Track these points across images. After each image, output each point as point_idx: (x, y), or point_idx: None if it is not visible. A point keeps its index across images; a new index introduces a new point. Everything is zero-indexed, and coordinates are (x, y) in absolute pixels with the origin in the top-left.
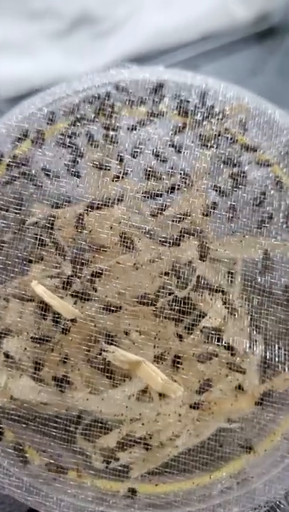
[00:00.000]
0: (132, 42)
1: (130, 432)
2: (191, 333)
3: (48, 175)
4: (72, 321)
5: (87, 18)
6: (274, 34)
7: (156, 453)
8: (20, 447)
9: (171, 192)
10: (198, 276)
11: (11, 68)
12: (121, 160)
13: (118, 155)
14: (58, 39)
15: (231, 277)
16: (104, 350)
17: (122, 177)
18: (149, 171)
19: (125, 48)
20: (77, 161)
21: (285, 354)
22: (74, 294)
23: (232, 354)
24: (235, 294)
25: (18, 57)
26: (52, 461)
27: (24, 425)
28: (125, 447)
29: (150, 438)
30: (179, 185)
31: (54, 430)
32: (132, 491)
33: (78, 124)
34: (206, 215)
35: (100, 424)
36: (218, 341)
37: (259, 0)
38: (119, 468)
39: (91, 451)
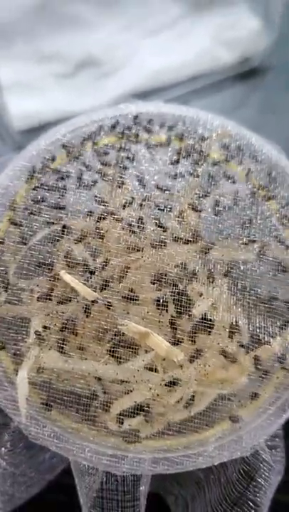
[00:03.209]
0: (131, 82)
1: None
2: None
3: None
4: (93, 302)
5: (91, 61)
6: (255, 74)
7: (160, 417)
8: (51, 405)
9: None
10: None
11: (23, 105)
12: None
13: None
14: (65, 79)
15: (220, 268)
16: (119, 324)
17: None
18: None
19: (125, 87)
20: (96, 179)
21: (264, 327)
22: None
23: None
24: (223, 280)
25: (29, 95)
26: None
27: (52, 391)
28: (135, 413)
29: (156, 398)
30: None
31: (76, 396)
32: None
33: (96, 147)
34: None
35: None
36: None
37: (241, 45)
38: (130, 430)
39: (106, 416)
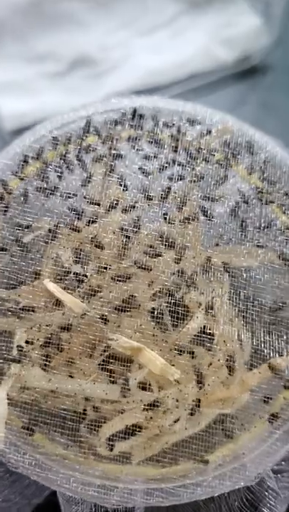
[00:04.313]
0: (126, 81)
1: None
2: (186, 325)
3: (57, 188)
4: (81, 315)
5: (85, 61)
6: (255, 73)
7: (156, 440)
8: (32, 429)
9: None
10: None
11: (14, 105)
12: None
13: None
14: (57, 79)
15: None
16: (109, 339)
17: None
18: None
19: (120, 87)
20: (87, 178)
21: (270, 341)
22: (82, 292)
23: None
24: (224, 289)
25: (20, 95)
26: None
27: (35, 412)
28: (127, 435)
29: (150, 421)
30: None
31: (62, 417)
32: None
33: (84, 144)
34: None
35: (103, 418)
36: (209, 330)
37: (241, 43)
38: (122, 454)
39: (95, 439)
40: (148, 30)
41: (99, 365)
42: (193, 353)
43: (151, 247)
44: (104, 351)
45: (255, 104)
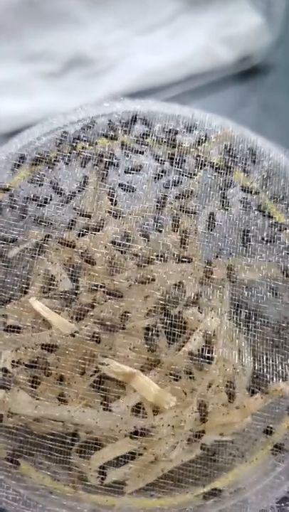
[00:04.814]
0: (124, 81)
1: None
2: (182, 346)
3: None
4: (70, 335)
5: (81, 60)
6: (256, 73)
7: (151, 468)
8: (17, 461)
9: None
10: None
11: (8, 106)
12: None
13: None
14: (53, 79)
15: (220, 293)
16: (100, 363)
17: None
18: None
19: (117, 87)
20: (77, 188)
21: (273, 365)
22: (71, 311)
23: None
24: (224, 309)
25: (15, 97)
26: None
27: (21, 440)
28: (120, 463)
29: (144, 450)
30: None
31: (50, 444)
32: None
33: (74, 151)
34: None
35: (95, 441)
36: (208, 353)
37: (241, 43)
38: (114, 484)
39: (86, 467)
40: (146, 29)
41: (91, 385)
42: (190, 377)
43: (146, 261)
44: (96, 372)
45: (256, 105)
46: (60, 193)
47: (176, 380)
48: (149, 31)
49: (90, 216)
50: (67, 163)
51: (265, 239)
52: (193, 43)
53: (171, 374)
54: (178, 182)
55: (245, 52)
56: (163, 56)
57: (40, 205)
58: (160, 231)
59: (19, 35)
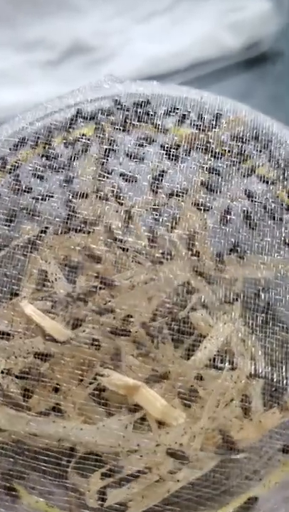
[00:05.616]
0: (125, 70)
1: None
2: (192, 355)
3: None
4: (65, 343)
5: (80, 48)
6: (264, 61)
7: (156, 488)
8: (8, 484)
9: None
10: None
11: (4, 96)
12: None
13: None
14: (50, 68)
15: (232, 296)
16: (99, 374)
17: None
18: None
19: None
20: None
21: None
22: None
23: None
24: (236, 313)
25: (12, 86)
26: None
27: (12, 459)
28: (122, 483)
29: (149, 471)
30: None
31: (44, 465)
32: None
33: (71, 138)
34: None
35: (94, 457)
36: (220, 363)
37: (248, 29)
38: (116, 506)
39: (85, 487)
40: (147, 16)
41: (89, 397)
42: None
43: (151, 261)
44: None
45: (263, 95)
46: (56, 184)
47: (184, 395)
48: (150, 19)
49: (86, 211)
50: (63, 151)
51: (283, 235)
52: (197, 29)
53: (179, 386)
54: (185, 172)
55: (253, 39)
56: (165, 44)
57: (33, 198)
58: (166, 225)
59: (13, 23)
